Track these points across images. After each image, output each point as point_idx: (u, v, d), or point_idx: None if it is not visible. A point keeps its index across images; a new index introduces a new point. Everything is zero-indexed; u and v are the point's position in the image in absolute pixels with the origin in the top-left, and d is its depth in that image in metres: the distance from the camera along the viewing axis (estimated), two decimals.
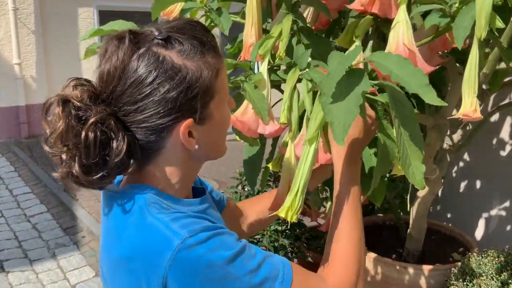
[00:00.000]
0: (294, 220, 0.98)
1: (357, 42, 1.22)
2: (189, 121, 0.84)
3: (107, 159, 0.81)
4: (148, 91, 0.80)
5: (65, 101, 0.80)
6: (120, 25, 1.24)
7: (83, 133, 0.78)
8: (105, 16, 7.54)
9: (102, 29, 1.26)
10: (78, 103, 0.80)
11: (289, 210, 0.97)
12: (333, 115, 0.85)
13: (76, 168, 0.80)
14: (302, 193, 0.97)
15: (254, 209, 1.29)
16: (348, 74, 0.90)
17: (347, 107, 0.85)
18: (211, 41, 0.86)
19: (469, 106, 1.00)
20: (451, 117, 1.13)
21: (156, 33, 0.83)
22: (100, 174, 0.81)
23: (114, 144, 0.81)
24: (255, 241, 2.51)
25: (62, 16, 7.37)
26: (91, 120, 0.79)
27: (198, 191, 1.04)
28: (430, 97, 0.87)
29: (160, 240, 0.79)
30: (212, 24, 1.37)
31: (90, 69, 7.66)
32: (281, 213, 0.98)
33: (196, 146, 0.87)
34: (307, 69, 1.13)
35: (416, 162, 0.97)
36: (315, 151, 0.99)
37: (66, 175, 0.81)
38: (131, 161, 0.88)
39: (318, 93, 0.94)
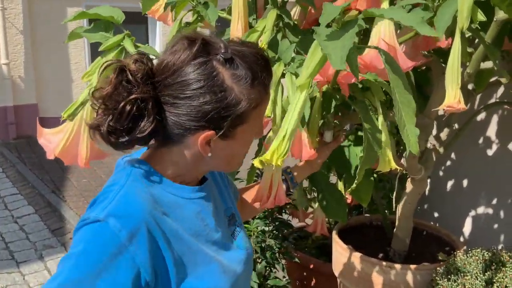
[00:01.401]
0: (279, 164, 0.98)
1: None
2: (212, 133, 0.90)
3: (131, 131, 0.89)
4: (189, 95, 0.88)
5: (121, 70, 0.88)
6: (105, 10, 1.23)
7: (122, 103, 0.86)
8: None
9: (87, 12, 1.26)
10: (131, 77, 0.87)
11: (275, 153, 0.98)
12: (330, 48, 0.91)
13: (104, 126, 0.87)
14: (289, 138, 0.98)
15: (249, 197, 1.34)
16: (342, 25, 0.97)
17: (342, 43, 0.91)
18: (264, 78, 0.92)
19: (453, 98, 1.01)
20: (435, 110, 1.14)
21: (223, 50, 0.89)
22: (120, 140, 0.89)
23: (142, 123, 0.88)
24: None
25: (51, 16, 7.31)
26: (133, 96, 0.86)
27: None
28: (426, 30, 0.94)
29: None
30: (199, 18, 1.37)
31: (79, 69, 7.63)
32: (267, 156, 0.99)
33: (209, 155, 0.93)
34: (291, 63, 1.13)
35: (409, 125, 1.01)
36: (306, 98, 1.00)
37: (95, 127, 0.89)
38: (152, 140, 0.95)
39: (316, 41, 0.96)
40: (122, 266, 0.82)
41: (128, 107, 0.86)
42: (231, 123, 0.90)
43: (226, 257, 1.01)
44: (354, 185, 1.17)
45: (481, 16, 1.00)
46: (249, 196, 1.33)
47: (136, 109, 0.87)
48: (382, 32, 1.03)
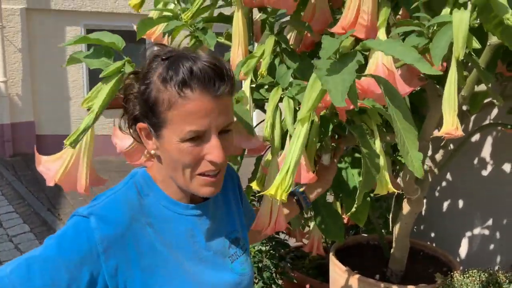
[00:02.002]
0: (284, 199, 0.98)
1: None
2: (145, 125, 0.96)
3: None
4: (139, 83, 0.96)
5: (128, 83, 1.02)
6: (105, 36, 1.25)
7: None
8: None
9: (88, 37, 1.28)
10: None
11: (279, 188, 0.98)
12: (330, 84, 0.92)
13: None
14: (292, 172, 0.99)
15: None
16: (341, 57, 0.98)
17: (342, 77, 0.93)
18: (183, 75, 0.90)
19: (451, 125, 1.03)
20: (433, 136, 1.15)
21: (163, 53, 0.95)
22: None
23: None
24: None
25: (50, 35, 7.36)
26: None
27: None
28: (427, 68, 0.95)
29: None
30: (197, 43, 1.39)
31: (76, 87, 7.65)
32: (271, 191, 0.98)
33: (153, 152, 0.98)
34: (289, 88, 1.15)
35: (413, 151, 1.02)
36: (307, 131, 1.01)
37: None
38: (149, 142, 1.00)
39: (315, 73, 0.97)
40: (87, 263, 0.89)
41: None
42: (153, 119, 0.93)
43: (211, 276, 1.02)
44: (354, 208, 1.18)
45: (476, 44, 1.02)
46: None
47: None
48: (381, 58, 1.05)
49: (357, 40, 1.27)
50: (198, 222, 1.03)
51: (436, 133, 1.08)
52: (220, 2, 1.62)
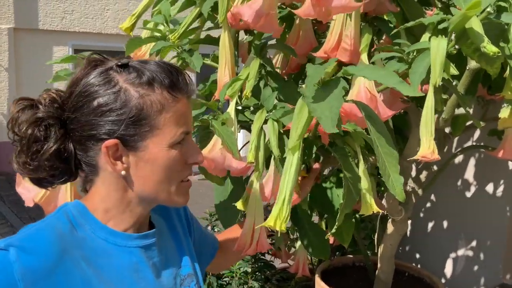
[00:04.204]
0: (283, 229, 0.99)
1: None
2: (114, 141, 0.85)
3: (36, 155, 0.87)
4: (86, 100, 0.85)
5: (31, 105, 0.88)
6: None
7: (25, 127, 0.86)
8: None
9: (75, 56, 1.29)
10: (39, 104, 0.88)
11: (277, 219, 0.98)
12: (319, 112, 0.94)
13: (15, 160, 0.88)
14: (288, 201, 0.99)
15: (232, 241, 1.28)
16: (325, 83, 0.99)
17: (329, 104, 0.95)
18: (171, 79, 0.88)
19: (427, 148, 1.05)
20: (411, 159, 1.18)
21: (118, 61, 0.88)
22: (36, 175, 0.88)
23: (47, 144, 0.86)
24: (224, 283, 2.47)
25: (37, 54, 7.37)
26: (35, 117, 0.86)
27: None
28: (408, 90, 0.98)
29: None
30: (184, 64, 1.41)
31: None
32: (270, 222, 0.99)
33: (123, 172, 0.87)
34: (273, 110, 1.17)
35: (394, 174, 1.04)
36: (299, 160, 1.02)
37: (16, 164, 0.88)
38: (74, 171, 0.92)
39: (301, 100, 0.98)
40: None
41: (29, 130, 0.86)
42: (136, 129, 0.85)
43: None
44: (334, 229, 1.19)
45: (453, 70, 1.06)
46: (231, 240, 1.29)
47: (39, 130, 0.86)
48: (363, 82, 1.08)
49: (340, 64, 1.30)
50: (143, 255, 0.92)
51: (413, 157, 1.11)
52: (208, 24, 1.65)
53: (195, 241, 1.14)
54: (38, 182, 0.91)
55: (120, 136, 0.85)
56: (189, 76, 0.93)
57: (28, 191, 1.23)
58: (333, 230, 1.20)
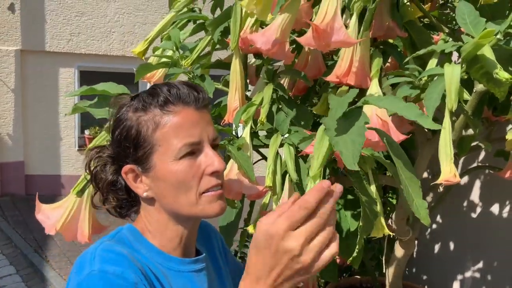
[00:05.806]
0: None
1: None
2: (128, 166, 0.92)
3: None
4: (111, 134, 0.96)
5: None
6: (110, 86, 1.30)
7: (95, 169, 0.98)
8: (86, 76, 7.65)
9: (95, 88, 1.32)
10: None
11: None
12: (341, 146, 0.95)
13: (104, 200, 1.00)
14: None
15: None
16: (346, 114, 1.01)
17: (351, 138, 0.96)
18: (166, 96, 0.90)
19: (449, 172, 1.08)
20: (434, 183, 1.21)
21: (128, 98, 0.95)
22: (108, 206, 0.98)
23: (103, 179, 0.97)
24: None
25: (43, 76, 7.44)
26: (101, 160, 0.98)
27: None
28: (429, 124, 1.00)
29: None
30: None
31: (68, 127, 7.67)
32: None
33: (145, 194, 0.92)
34: (287, 134, 1.20)
35: (418, 199, 1.06)
36: None
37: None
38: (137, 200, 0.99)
39: (321, 130, 1.01)
40: None
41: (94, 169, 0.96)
42: (140, 152, 0.90)
43: None
44: (355, 253, 1.21)
45: (466, 96, 1.09)
46: None
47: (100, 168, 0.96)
48: (374, 108, 1.11)
49: (351, 88, 1.33)
50: (196, 279, 0.95)
51: (436, 181, 1.13)
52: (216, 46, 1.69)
53: (230, 271, 1.15)
54: (117, 213, 1.00)
55: (133, 161, 0.91)
56: (197, 86, 0.94)
57: (48, 218, 1.24)
58: (354, 254, 1.22)
